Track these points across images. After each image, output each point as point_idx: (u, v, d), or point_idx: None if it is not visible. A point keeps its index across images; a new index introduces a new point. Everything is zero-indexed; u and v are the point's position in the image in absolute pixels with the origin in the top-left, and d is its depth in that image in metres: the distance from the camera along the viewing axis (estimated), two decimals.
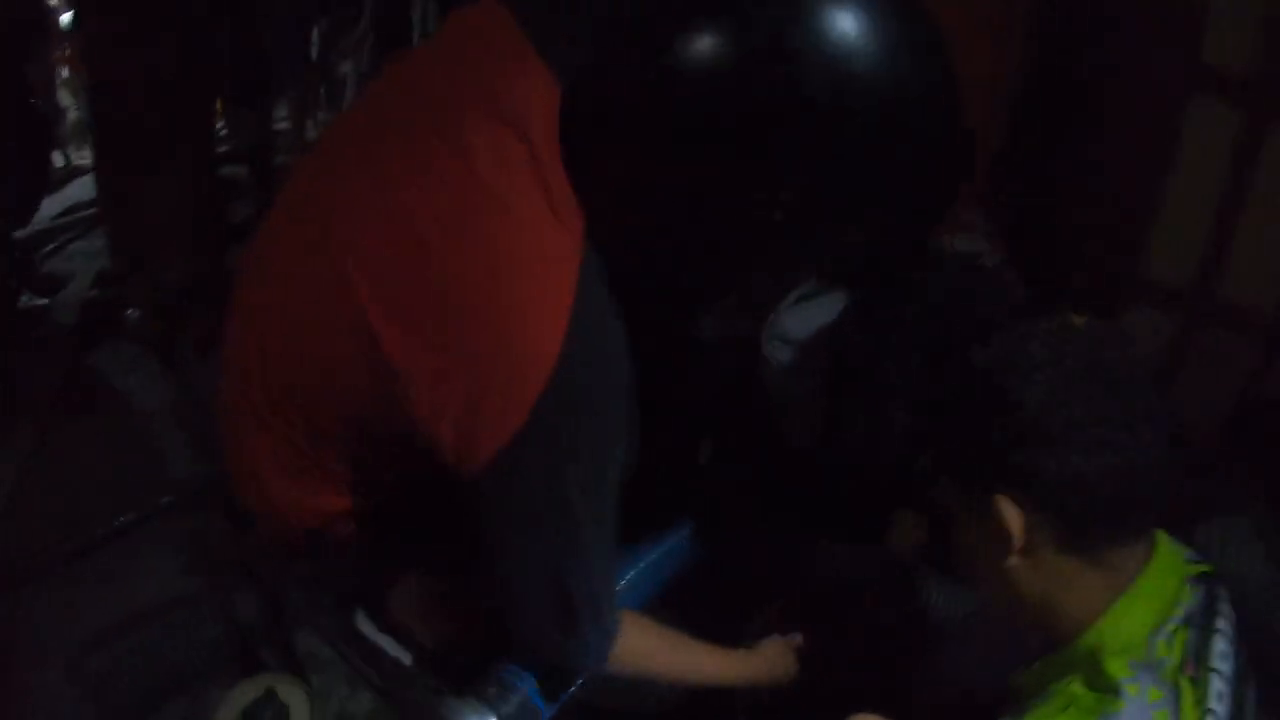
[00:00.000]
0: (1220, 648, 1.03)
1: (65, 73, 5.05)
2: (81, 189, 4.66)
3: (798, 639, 1.64)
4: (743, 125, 0.99)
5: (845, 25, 0.95)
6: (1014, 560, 1.06)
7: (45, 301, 3.60)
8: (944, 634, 1.72)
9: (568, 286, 1.11)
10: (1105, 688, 0.99)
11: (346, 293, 1.16)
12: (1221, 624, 1.06)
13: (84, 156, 5.00)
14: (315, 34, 4.56)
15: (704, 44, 0.98)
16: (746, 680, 1.60)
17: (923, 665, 1.68)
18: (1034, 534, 1.04)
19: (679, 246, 1.18)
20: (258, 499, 1.43)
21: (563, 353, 1.10)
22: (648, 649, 1.46)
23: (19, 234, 3.81)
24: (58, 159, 4.83)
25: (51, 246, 4.27)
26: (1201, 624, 1.05)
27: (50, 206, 4.38)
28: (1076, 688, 1.01)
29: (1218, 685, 1.00)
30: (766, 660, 1.62)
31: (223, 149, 4.31)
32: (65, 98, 5.12)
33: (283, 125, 4.70)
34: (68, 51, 4.73)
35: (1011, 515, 1.03)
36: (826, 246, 1.16)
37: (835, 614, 1.79)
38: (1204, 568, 1.11)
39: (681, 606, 1.69)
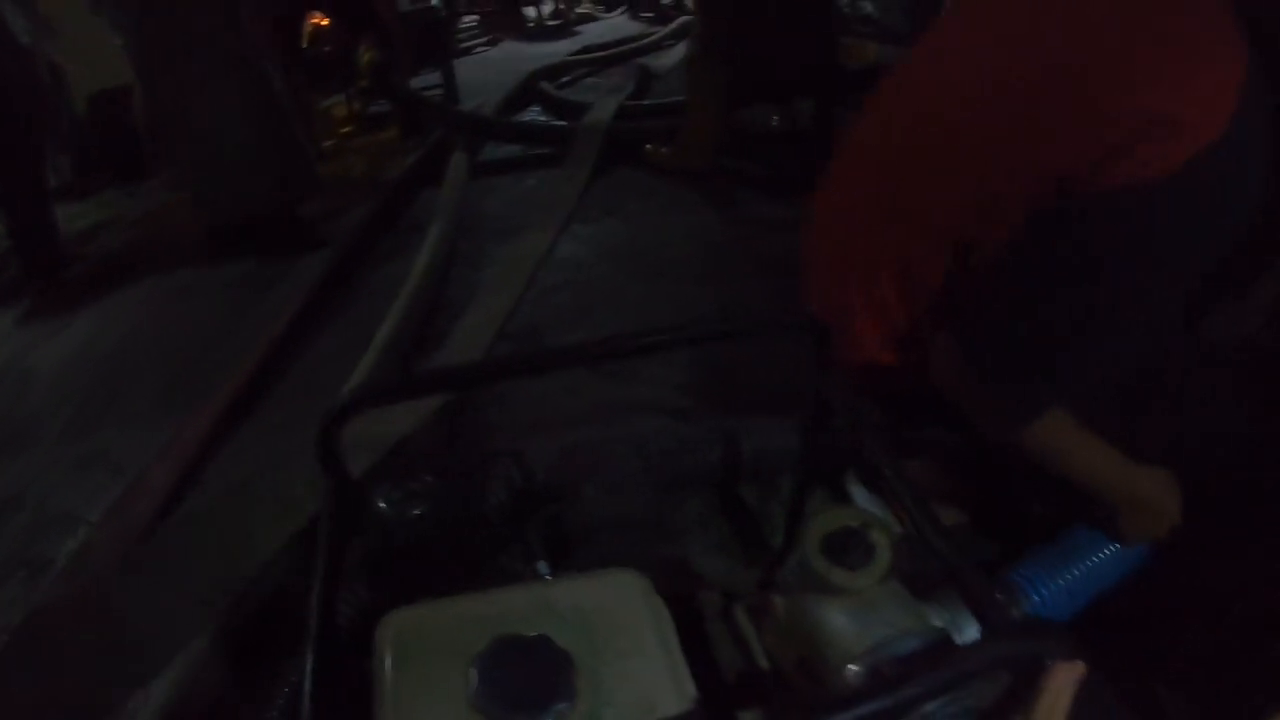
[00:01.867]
0: None
1: None
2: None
3: None
4: None
5: None
6: None
7: None
8: None
9: (1239, 72, 1.21)
10: None
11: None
12: None
13: None
14: None
15: None
16: (1124, 495, 1.60)
17: None
18: None
19: None
20: (838, 323, 1.54)
21: (1234, 114, 1.20)
22: (1069, 426, 1.50)
23: None
24: None
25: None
26: None
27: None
28: None
29: None
30: (1153, 488, 1.60)
31: None
32: None
33: None
34: None
35: None
36: None
37: None
38: None
39: None
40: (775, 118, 4.47)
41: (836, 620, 1.11)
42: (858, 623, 1.09)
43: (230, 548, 1.85)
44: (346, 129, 5.35)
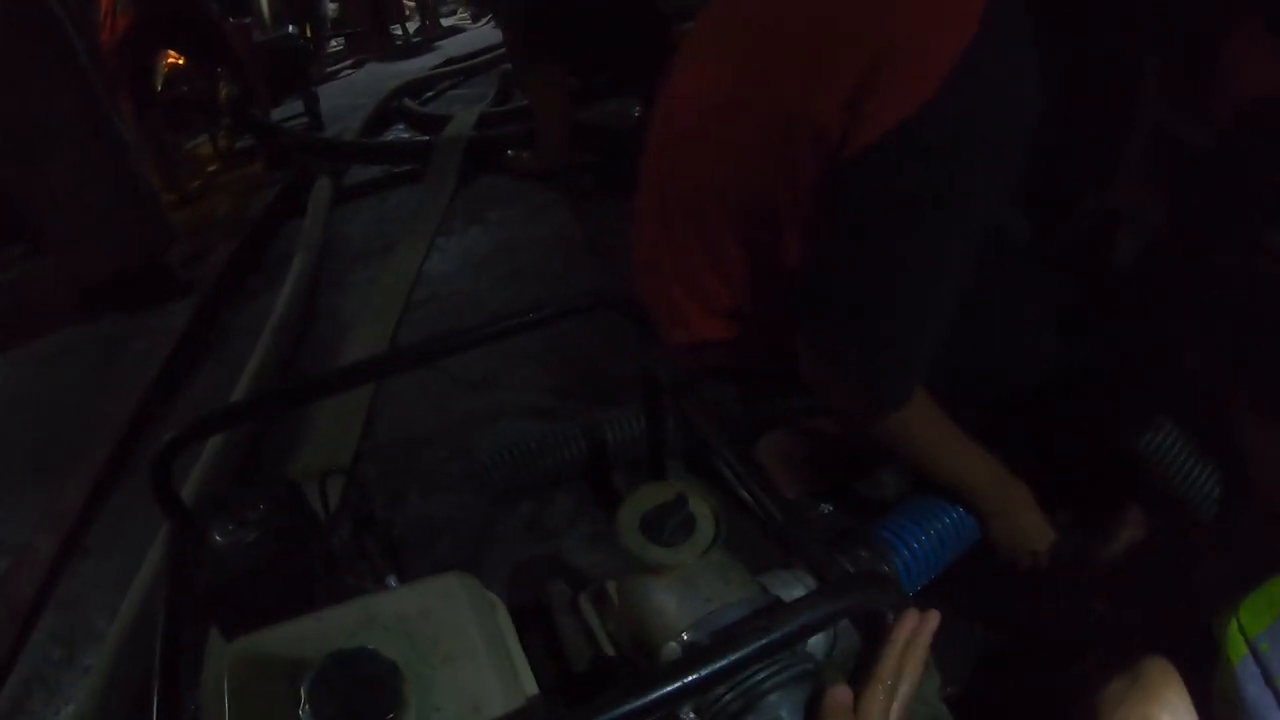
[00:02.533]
0: None
1: None
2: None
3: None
4: None
5: None
6: None
7: None
8: None
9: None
10: None
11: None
12: None
13: None
14: None
15: None
16: (987, 500, 1.60)
17: None
18: None
19: None
20: (674, 307, 1.57)
21: (976, 35, 1.20)
22: (934, 416, 1.51)
23: None
24: None
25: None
26: None
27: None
28: None
29: None
30: (1020, 507, 1.59)
31: None
32: None
33: None
34: None
35: None
36: None
37: None
38: None
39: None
40: (638, 109, 4.50)
41: (657, 599, 1.12)
42: (678, 599, 1.10)
43: None
44: (213, 167, 5.29)
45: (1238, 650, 0.98)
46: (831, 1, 1.37)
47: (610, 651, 1.25)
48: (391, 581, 1.47)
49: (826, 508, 1.93)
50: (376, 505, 1.60)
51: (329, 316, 3.20)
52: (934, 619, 0.98)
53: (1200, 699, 1.06)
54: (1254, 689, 0.96)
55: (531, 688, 1.04)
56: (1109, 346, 1.66)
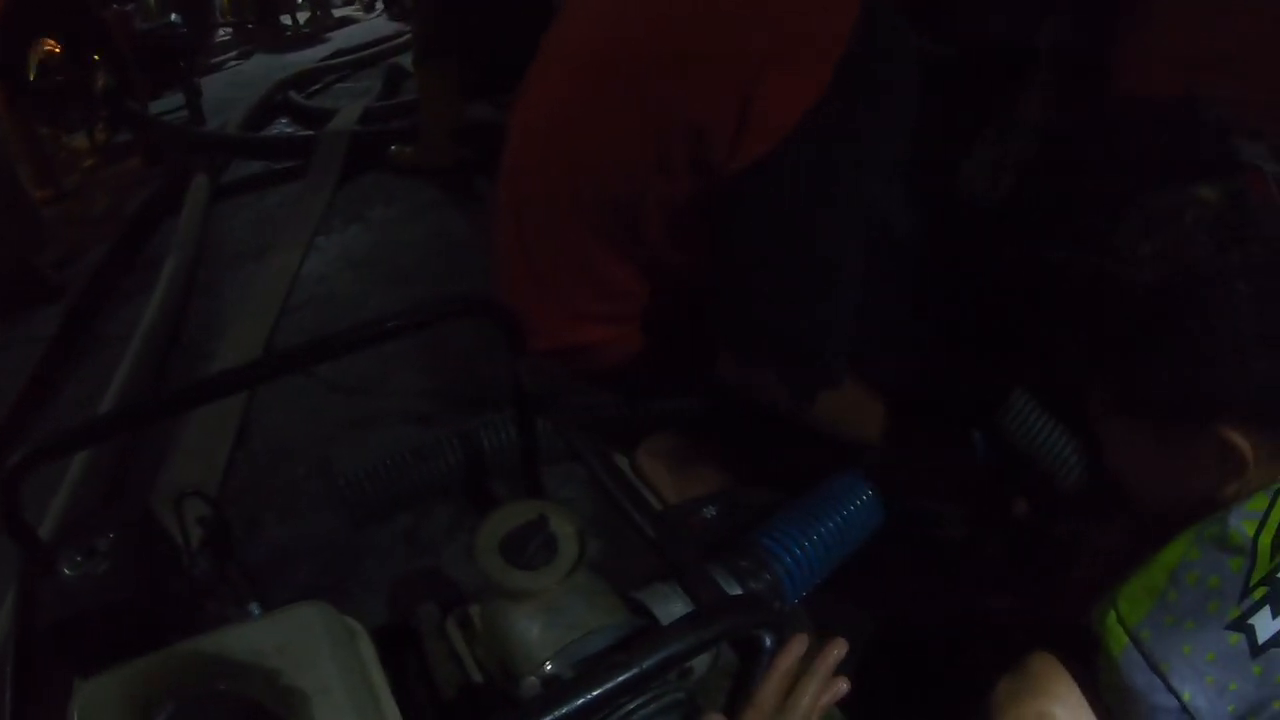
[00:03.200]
0: None
1: None
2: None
3: None
4: None
5: None
6: (1234, 485, 1.03)
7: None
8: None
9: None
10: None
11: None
12: None
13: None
14: None
15: None
16: None
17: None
18: (1259, 452, 1.01)
19: None
20: (536, 314, 1.55)
21: (852, 36, 1.25)
22: (860, 396, 1.58)
23: None
24: None
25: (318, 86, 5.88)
26: None
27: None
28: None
29: None
30: None
31: None
32: None
33: None
34: None
35: (1241, 444, 1.00)
36: None
37: None
38: None
39: None
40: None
41: (519, 626, 1.09)
42: (540, 626, 1.08)
43: None
44: (89, 162, 5.10)
45: (1119, 641, 1.01)
46: (696, 4, 1.40)
47: (478, 678, 1.22)
48: (254, 609, 1.43)
49: (709, 511, 1.90)
50: (237, 528, 1.54)
51: (203, 321, 3.11)
52: (837, 647, 0.98)
53: (1087, 691, 1.08)
54: (1141, 677, 0.99)
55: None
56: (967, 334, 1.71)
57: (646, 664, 0.83)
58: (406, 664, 1.36)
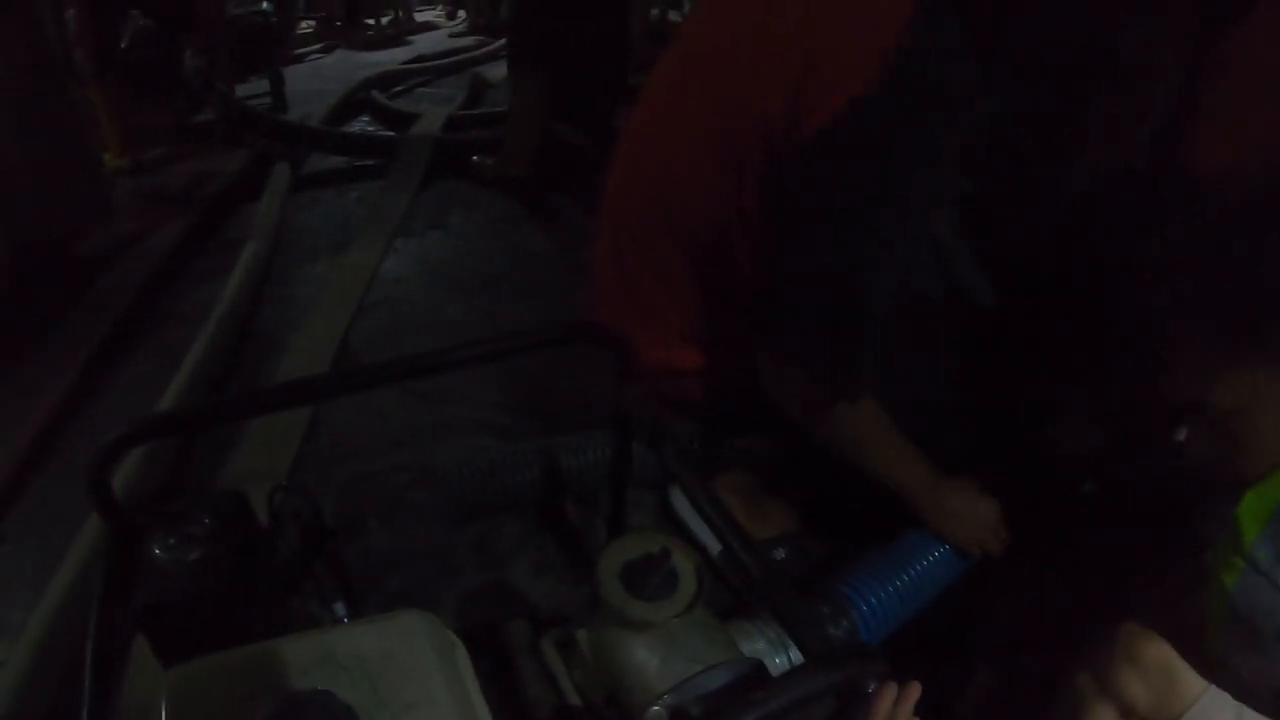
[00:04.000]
0: None
1: None
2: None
3: None
4: None
5: None
6: None
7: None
8: None
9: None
10: None
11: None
12: None
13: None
14: None
15: None
16: (917, 497, 1.66)
17: None
18: None
19: None
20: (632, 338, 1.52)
21: (910, 23, 1.26)
22: (879, 416, 1.56)
23: None
24: None
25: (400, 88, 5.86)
26: None
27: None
28: None
29: None
30: (960, 499, 1.67)
31: None
32: None
33: None
34: None
35: None
36: None
37: None
38: None
39: None
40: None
41: (638, 656, 1.06)
42: (660, 659, 1.05)
43: None
44: (169, 140, 5.14)
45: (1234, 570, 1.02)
46: (760, 11, 1.44)
47: (576, 701, 1.18)
48: (339, 609, 1.40)
49: (780, 553, 1.90)
50: (328, 523, 1.52)
51: (277, 311, 3.10)
52: (915, 691, 0.96)
53: None
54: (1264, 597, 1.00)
55: None
56: None
57: (778, 704, 0.82)
58: (488, 679, 1.33)
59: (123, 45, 4.55)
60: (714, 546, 1.85)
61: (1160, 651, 1.14)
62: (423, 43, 8.03)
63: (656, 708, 1.00)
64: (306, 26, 8.51)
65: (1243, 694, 1.10)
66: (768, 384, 1.57)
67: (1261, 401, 1.08)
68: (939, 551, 1.69)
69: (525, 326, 2.79)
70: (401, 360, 1.34)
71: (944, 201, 1.51)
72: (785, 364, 1.53)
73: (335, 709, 0.90)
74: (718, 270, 1.59)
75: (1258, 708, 1.09)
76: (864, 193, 1.35)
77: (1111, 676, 1.17)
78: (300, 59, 7.57)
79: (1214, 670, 1.11)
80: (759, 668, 1.07)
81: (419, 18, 9.55)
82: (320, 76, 6.52)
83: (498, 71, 6.17)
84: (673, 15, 6.37)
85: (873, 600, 1.58)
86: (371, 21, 8.85)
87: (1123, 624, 1.18)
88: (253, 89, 5.68)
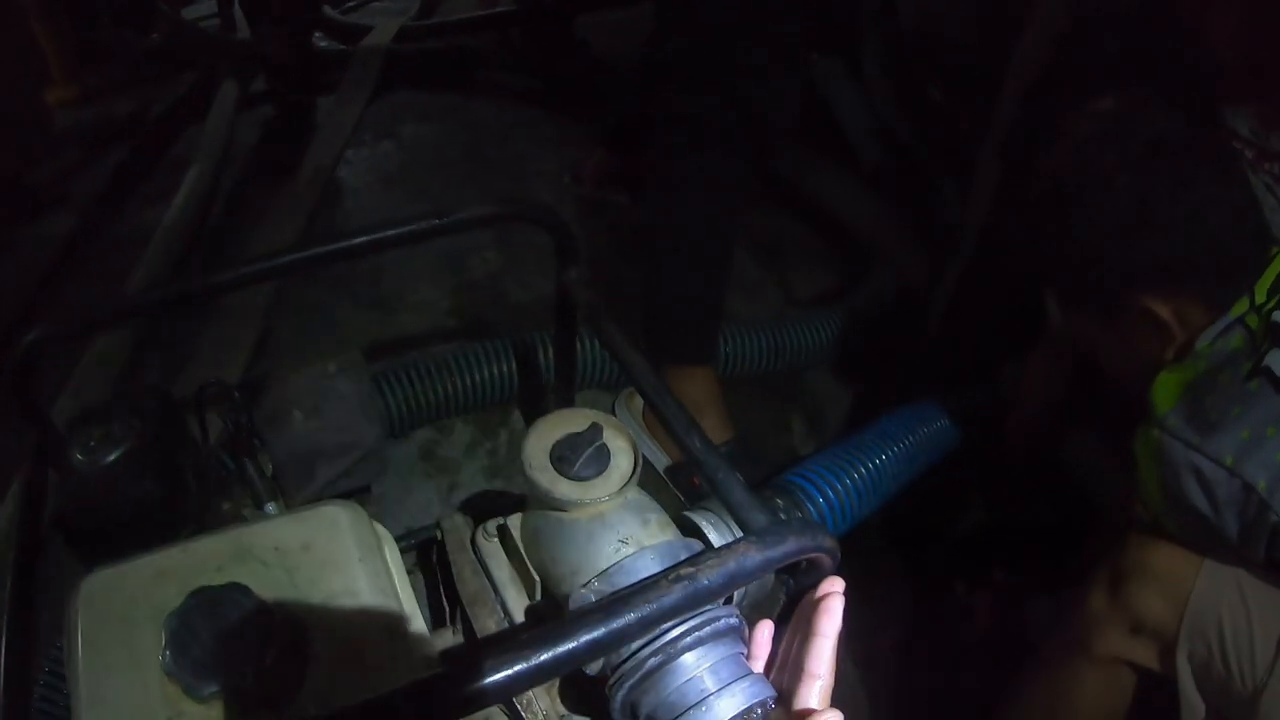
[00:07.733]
0: None
1: None
2: None
3: None
4: None
5: None
6: (1170, 348, 1.20)
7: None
8: None
9: None
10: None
11: None
12: None
13: None
14: None
15: None
16: None
17: None
18: (1183, 312, 1.17)
19: None
20: None
21: None
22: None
23: None
24: None
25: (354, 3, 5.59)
26: None
27: None
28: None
29: None
30: None
31: None
32: None
33: None
34: None
35: (1160, 309, 1.17)
36: None
37: None
38: None
39: None
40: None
41: (568, 539, 1.01)
42: (591, 540, 1.00)
43: None
44: (113, 64, 4.98)
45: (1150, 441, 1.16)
46: None
47: (512, 593, 1.14)
48: (270, 509, 1.36)
49: (726, 450, 1.86)
50: (259, 424, 1.47)
51: (227, 228, 3.03)
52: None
53: None
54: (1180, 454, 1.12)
55: (421, 631, 0.96)
56: None
57: (709, 582, 0.75)
58: (427, 576, 1.30)
59: None
60: (659, 461, 1.81)
61: (1169, 556, 1.22)
62: None
63: (583, 589, 0.95)
64: None
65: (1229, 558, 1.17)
66: None
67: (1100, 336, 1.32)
68: (899, 446, 1.66)
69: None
70: (340, 239, 1.25)
71: None
72: None
73: (249, 602, 0.86)
74: None
75: (1238, 564, 1.17)
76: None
77: (1124, 593, 1.24)
78: None
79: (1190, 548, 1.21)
80: (700, 548, 1.02)
81: None
82: None
83: None
84: None
85: (829, 493, 1.53)
86: None
87: (1129, 536, 1.27)
88: (199, 11, 5.50)
